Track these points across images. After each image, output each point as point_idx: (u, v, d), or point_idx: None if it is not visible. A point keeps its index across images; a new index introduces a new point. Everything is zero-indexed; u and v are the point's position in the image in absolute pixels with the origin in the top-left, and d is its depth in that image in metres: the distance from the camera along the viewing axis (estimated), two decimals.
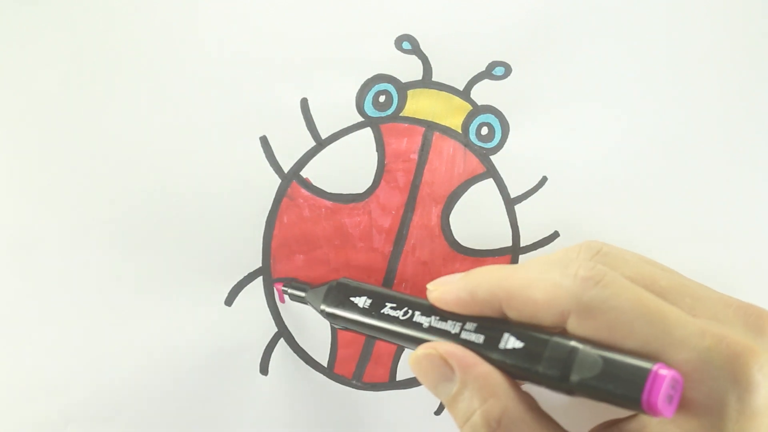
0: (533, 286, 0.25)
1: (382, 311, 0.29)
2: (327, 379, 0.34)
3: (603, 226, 0.34)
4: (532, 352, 0.25)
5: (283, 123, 0.33)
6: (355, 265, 0.34)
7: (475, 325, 0.26)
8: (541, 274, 0.26)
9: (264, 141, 0.33)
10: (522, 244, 0.34)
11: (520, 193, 0.34)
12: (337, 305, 0.30)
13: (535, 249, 0.34)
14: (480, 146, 0.34)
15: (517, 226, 0.34)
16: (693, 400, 0.23)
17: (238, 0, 0.33)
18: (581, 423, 0.27)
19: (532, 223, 0.34)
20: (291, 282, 0.33)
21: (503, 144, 0.34)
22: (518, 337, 0.25)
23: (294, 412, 0.34)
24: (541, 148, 0.34)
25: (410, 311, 0.28)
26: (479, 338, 0.26)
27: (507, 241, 0.34)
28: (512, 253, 0.34)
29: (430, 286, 0.28)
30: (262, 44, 0.33)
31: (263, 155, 0.33)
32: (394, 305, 0.29)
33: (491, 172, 0.34)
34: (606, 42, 0.34)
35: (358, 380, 0.34)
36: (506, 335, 0.25)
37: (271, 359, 0.34)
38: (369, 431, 0.34)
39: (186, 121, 0.33)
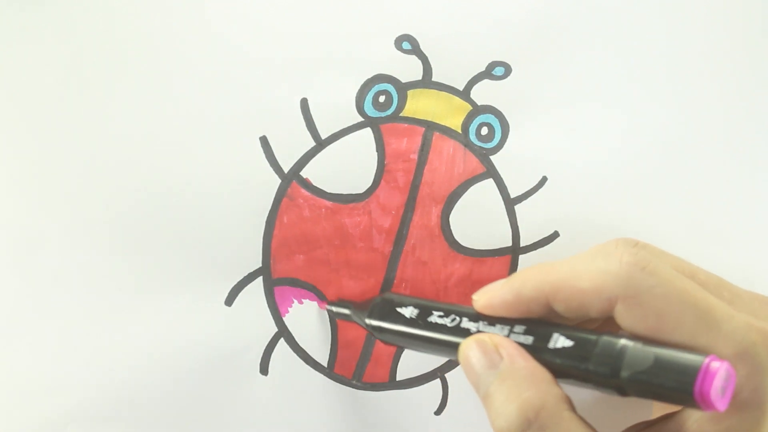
0: (579, 275, 0.25)
1: (429, 320, 0.29)
2: (327, 379, 0.34)
3: (603, 226, 0.34)
4: (582, 350, 0.25)
5: (283, 123, 0.33)
6: (355, 265, 0.34)
7: (523, 327, 0.26)
8: (586, 264, 0.26)
9: (264, 141, 0.33)
10: (522, 244, 0.34)
11: (520, 193, 0.34)
12: (382, 318, 0.30)
13: (535, 249, 0.34)
14: (480, 146, 0.34)
15: (517, 226, 0.34)
16: (736, 395, 0.23)
17: (238, 0, 0.33)
18: (611, 428, 0.27)
19: (532, 223, 0.34)
20: (335, 301, 0.33)
21: (503, 144, 0.34)
22: (568, 336, 0.25)
23: (294, 412, 0.34)
24: (541, 148, 0.34)
25: (458, 318, 0.28)
26: (528, 339, 0.26)
27: (507, 241, 0.34)
28: (512, 253, 0.34)
29: (474, 296, 0.28)
30: (262, 44, 0.33)
31: (263, 155, 0.33)
32: (442, 313, 0.29)
33: (491, 172, 0.34)
34: (606, 42, 0.34)
35: (358, 380, 0.34)
36: (555, 335, 0.25)
37: (271, 359, 0.34)
38: (369, 431, 0.34)
39: (186, 121, 0.33)
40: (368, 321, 0.31)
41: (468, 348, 0.26)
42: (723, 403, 0.22)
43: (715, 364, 0.22)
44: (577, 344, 0.25)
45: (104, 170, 0.33)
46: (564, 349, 0.25)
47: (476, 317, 0.28)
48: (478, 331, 0.27)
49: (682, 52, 0.34)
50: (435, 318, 0.29)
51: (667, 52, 0.34)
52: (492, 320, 0.27)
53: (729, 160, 0.34)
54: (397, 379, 0.34)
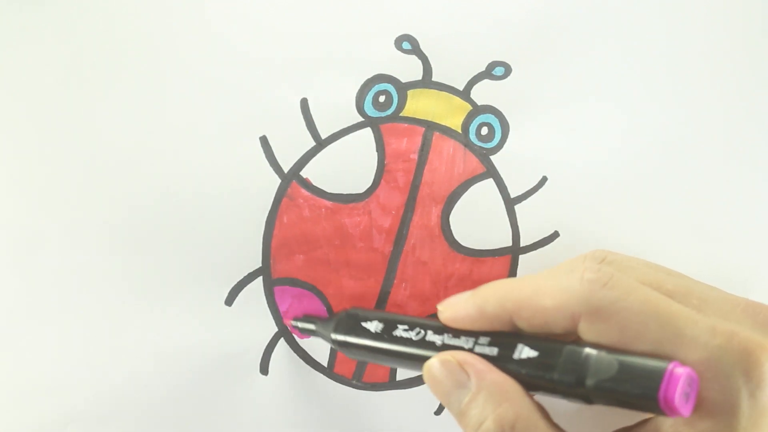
0: (541, 293, 0.26)
1: (394, 333, 0.29)
2: (327, 379, 0.34)
3: (603, 226, 0.34)
4: (547, 360, 0.25)
5: (283, 123, 0.33)
6: (355, 265, 0.34)
7: (488, 339, 0.27)
8: (548, 281, 0.26)
9: (264, 141, 0.33)
10: (522, 244, 0.34)
11: (520, 193, 0.34)
12: (348, 333, 0.30)
13: (535, 249, 0.34)
14: (480, 146, 0.34)
15: (517, 226, 0.34)
16: (706, 399, 0.23)
17: (238, 0, 0.33)
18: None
19: (532, 223, 0.34)
20: (300, 317, 0.33)
21: (503, 144, 0.34)
22: (532, 347, 0.25)
23: (294, 412, 0.34)
24: (541, 148, 0.34)
25: (423, 331, 0.28)
26: (493, 351, 0.26)
27: (507, 241, 0.34)
28: (512, 253, 0.34)
29: (440, 306, 0.28)
30: (262, 44, 0.33)
31: (263, 155, 0.33)
32: (407, 327, 0.29)
33: (491, 172, 0.34)
34: (606, 42, 0.34)
35: (358, 380, 0.34)
36: (520, 345, 0.26)
37: (271, 359, 0.34)
38: (369, 431, 0.35)
39: (186, 122, 0.33)
40: (333, 336, 0.31)
41: (432, 368, 0.27)
42: (687, 409, 0.22)
43: (679, 370, 0.22)
44: (541, 354, 0.25)
45: (104, 171, 0.33)
46: (529, 359, 0.25)
47: (441, 330, 0.28)
48: (444, 344, 0.27)
49: (682, 52, 0.34)
50: (400, 332, 0.29)
51: (667, 52, 0.34)
52: (457, 332, 0.27)
53: (729, 160, 0.34)
54: (397, 379, 0.34)
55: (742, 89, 0.34)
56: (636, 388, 0.23)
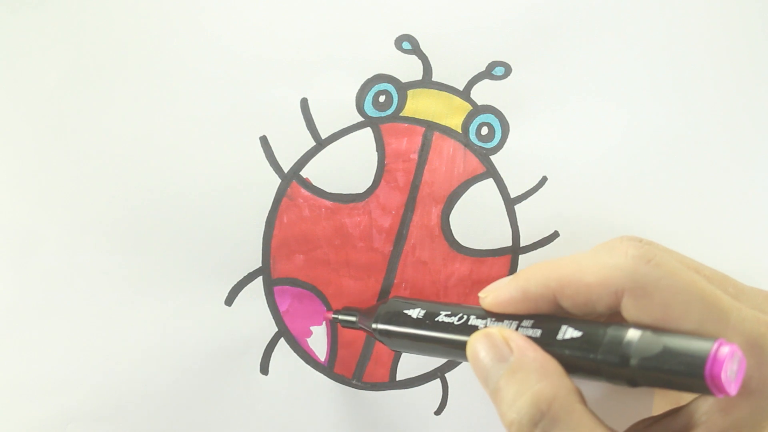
0: (585, 269, 0.25)
1: (436, 320, 0.28)
2: (327, 379, 0.34)
3: (603, 226, 0.34)
4: (591, 340, 0.24)
5: (283, 123, 0.33)
6: (355, 265, 0.34)
7: (531, 321, 0.26)
8: (591, 259, 0.26)
9: (264, 141, 0.33)
10: (522, 244, 0.34)
11: (520, 193, 0.34)
12: (389, 322, 0.30)
13: (535, 249, 0.34)
14: (480, 146, 0.34)
15: (517, 226, 0.34)
16: (745, 384, 0.23)
17: (239, 1, 0.33)
18: (617, 425, 0.27)
19: (532, 223, 0.34)
20: (341, 309, 0.33)
21: (503, 144, 0.34)
22: (576, 328, 0.25)
23: (294, 412, 0.34)
24: (541, 147, 0.34)
25: (465, 316, 0.28)
26: (536, 332, 0.26)
27: (507, 241, 0.34)
28: (512, 253, 0.34)
29: (481, 293, 0.28)
30: (262, 44, 0.33)
31: (263, 155, 0.33)
32: (449, 312, 0.28)
33: (491, 172, 0.34)
34: (606, 41, 0.34)
35: (358, 380, 0.34)
36: (564, 326, 0.25)
37: (271, 359, 0.34)
38: (369, 431, 0.34)
39: (186, 121, 0.33)
40: (375, 325, 0.30)
41: (476, 341, 0.26)
42: (734, 387, 0.22)
43: (725, 348, 0.22)
44: (585, 334, 0.25)
45: (104, 170, 0.33)
46: (572, 339, 0.25)
47: (484, 315, 0.27)
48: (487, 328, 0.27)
49: (682, 52, 0.34)
50: (442, 317, 0.28)
51: (667, 51, 0.34)
52: (500, 317, 0.27)
53: (729, 159, 0.34)
54: (397, 379, 0.34)
55: (742, 88, 0.34)
56: (681, 365, 0.22)
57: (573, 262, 0.26)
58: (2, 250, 0.33)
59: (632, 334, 0.24)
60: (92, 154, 0.33)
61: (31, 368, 0.33)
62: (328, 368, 0.34)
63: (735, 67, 0.34)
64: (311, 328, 0.34)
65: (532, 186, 0.34)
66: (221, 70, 0.33)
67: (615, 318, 0.26)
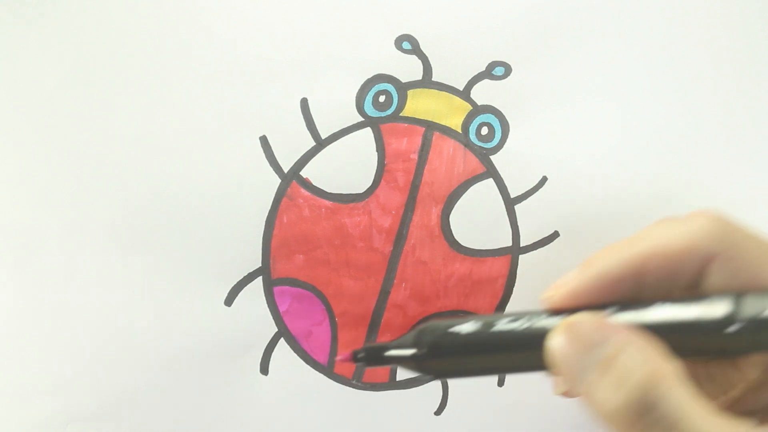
0: (667, 240, 0.24)
1: (494, 330, 0.24)
2: (327, 379, 0.34)
3: (603, 226, 0.34)
4: (685, 313, 0.22)
5: (283, 123, 0.33)
6: (355, 265, 0.34)
7: (614, 308, 0.23)
8: (669, 230, 0.24)
9: (264, 141, 0.33)
10: (522, 244, 0.34)
11: (520, 193, 0.34)
12: (435, 344, 0.24)
13: (535, 249, 0.34)
14: (480, 146, 0.34)
15: (517, 226, 0.34)
16: None
17: (239, 0, 0.33)
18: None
19: (532, 223, 0.34)
20: (361, 349, 0.25)
21: (503, 144, 0.34)
22: (671, 303, 0.23)
23: (294, 412, 0.34)
24: (541, 148, 0.34)
25: (531, 319, 0.24)
26: (625, 317, 0.23)
27: (507, 241, 0.34)
28: (512, 253, 0.34)
29: (546, 294, 0.25)
30: (263, 44, 0.33)
31: (263, 155, 0.33)
32: (510, 319, 0.24)
33: (491, 172, 0.34)
34: (605, 41, 0.34)
35: (358, 380, 0.34)
36: (656, 305, 0.23)
37: (271, 359, 0.34)
38: (369, 431, 0.34)
39: (186, 122, 0.33)
40: (416, 352, 0.24)
41: (569, 329, 0.23)
42: None
43: None
44: (678, 309, 0.22)
45: (105, 171, 0.33)
46: (665, 320, 0.22)
47: (554, 313, 0.24)
48: None
49: (682, 52, 0.34)
50: (503, 325, 0.24)
51: (667, 51, 0.34)
52: (574, 311, 0.23)
53: (729, 159, 0.34)
54: (397, 379, 0.34)
55: (742, 87, 0.34)
56: None
57: (649, 235, 0.24)
58: (3, 251, 0.33)
59: (737, 295, 0.22)
60: (92, 154, 0.33)
61: (31, 368, 0.33)
62: (328, 368, 0.34)
63: (735, 67, 0.34)
64: (311, 328, 0.34)
65: (532, 186, 0.34)
66: (221, 71, 0.33)
67: (697, 291, 0.24)
